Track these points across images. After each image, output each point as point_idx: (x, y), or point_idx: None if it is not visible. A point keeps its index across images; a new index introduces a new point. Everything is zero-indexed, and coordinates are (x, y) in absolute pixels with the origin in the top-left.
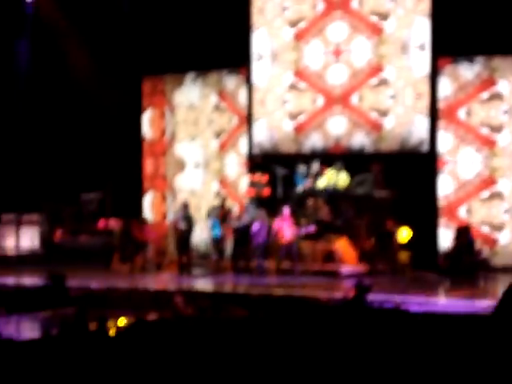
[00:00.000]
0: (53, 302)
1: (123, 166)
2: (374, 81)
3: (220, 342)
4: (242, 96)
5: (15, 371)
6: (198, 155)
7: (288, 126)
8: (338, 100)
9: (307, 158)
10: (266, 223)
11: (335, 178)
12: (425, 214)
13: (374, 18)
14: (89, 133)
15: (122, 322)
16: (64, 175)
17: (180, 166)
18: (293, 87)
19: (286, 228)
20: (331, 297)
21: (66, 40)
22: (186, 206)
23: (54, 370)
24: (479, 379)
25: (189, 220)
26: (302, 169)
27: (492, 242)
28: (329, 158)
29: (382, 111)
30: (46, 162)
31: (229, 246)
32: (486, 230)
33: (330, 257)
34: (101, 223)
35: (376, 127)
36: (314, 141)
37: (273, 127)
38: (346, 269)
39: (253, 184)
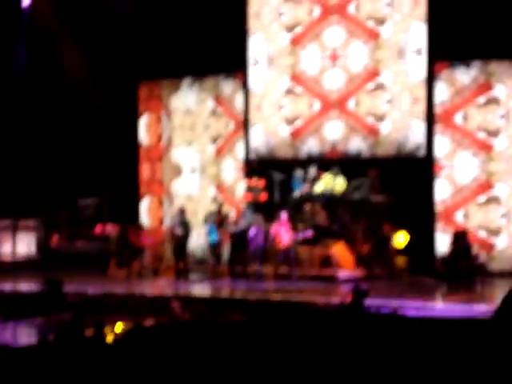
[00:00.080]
0: (49, 308)
1: (120, 171)
2: (370, 85)
3: (217, 347)
4: (238, 101)
5: (12, 378)
6: (194, 160)
7: (284, 131)
8: (334, 105)
9: (304, 162)
10: (262, 228)
11: (332, 183)
12: (422, 219)
13: (371, 23)
14: (85, 138)
15: (119, 327)
16: (61, 180)
17: (177, 171)
18: (289, 92)
19: (283, 233)
20: (328, 302)
21: (62, 44)
22: (182, 212)
23: (51, 376)
24: None
25: (185, 225)
26: (299, 173)
27: (489, 247)
28: (325, 162)
29: (379, 116)
30: (42, 167)
31: (226, 250)
32: (483, 234)
33: (327, 262)
34: (97, 229)
35: (373, 132)
36: (311, 146)
37: (269, 132)
38: (343, 274)
39: (250, 189)
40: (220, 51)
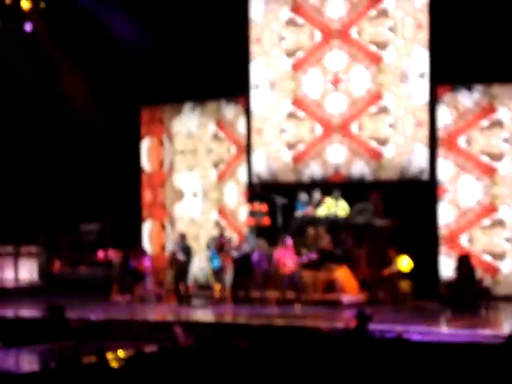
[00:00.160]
0: (52, 334)
1: (122, 196)
2: (373, 109)
3: (220, 373)
4: (240, 125)
5: None
6: (196, 185)
7: (287, 156)
8: (336, 129)
9: (306, 187)
10: (266, 253)
11: (335, 207)
12: (425, 243)
13: (373, 48)
14: (87, 163)
15: (121, 354)
16: (62, 206)
17: (179, 195)
18: (291, 116)
19: (288, 258)
20: (333, 327)
21: (64, 70)
22: (183, 237)
23: None
24: None
25: (187, 251)
26: (303, 197)
27: (494, 271)
28: (328, 186)
29: (382, 140)
30: (44, 193)
31: (228, 275)
32: (487, 258)
33: (331, 286)
34: (99, 254)
35: (376, 156)
36: (313, 170)
37: (271, 157)
38: (346, 298)
39: (252, 213)
40: (222, 76)
